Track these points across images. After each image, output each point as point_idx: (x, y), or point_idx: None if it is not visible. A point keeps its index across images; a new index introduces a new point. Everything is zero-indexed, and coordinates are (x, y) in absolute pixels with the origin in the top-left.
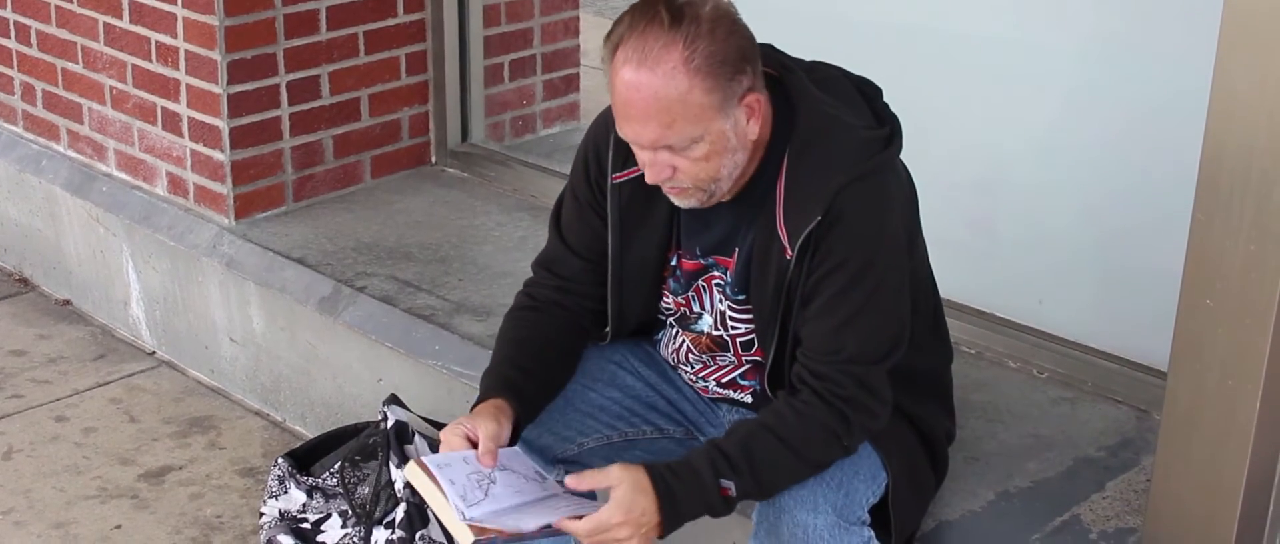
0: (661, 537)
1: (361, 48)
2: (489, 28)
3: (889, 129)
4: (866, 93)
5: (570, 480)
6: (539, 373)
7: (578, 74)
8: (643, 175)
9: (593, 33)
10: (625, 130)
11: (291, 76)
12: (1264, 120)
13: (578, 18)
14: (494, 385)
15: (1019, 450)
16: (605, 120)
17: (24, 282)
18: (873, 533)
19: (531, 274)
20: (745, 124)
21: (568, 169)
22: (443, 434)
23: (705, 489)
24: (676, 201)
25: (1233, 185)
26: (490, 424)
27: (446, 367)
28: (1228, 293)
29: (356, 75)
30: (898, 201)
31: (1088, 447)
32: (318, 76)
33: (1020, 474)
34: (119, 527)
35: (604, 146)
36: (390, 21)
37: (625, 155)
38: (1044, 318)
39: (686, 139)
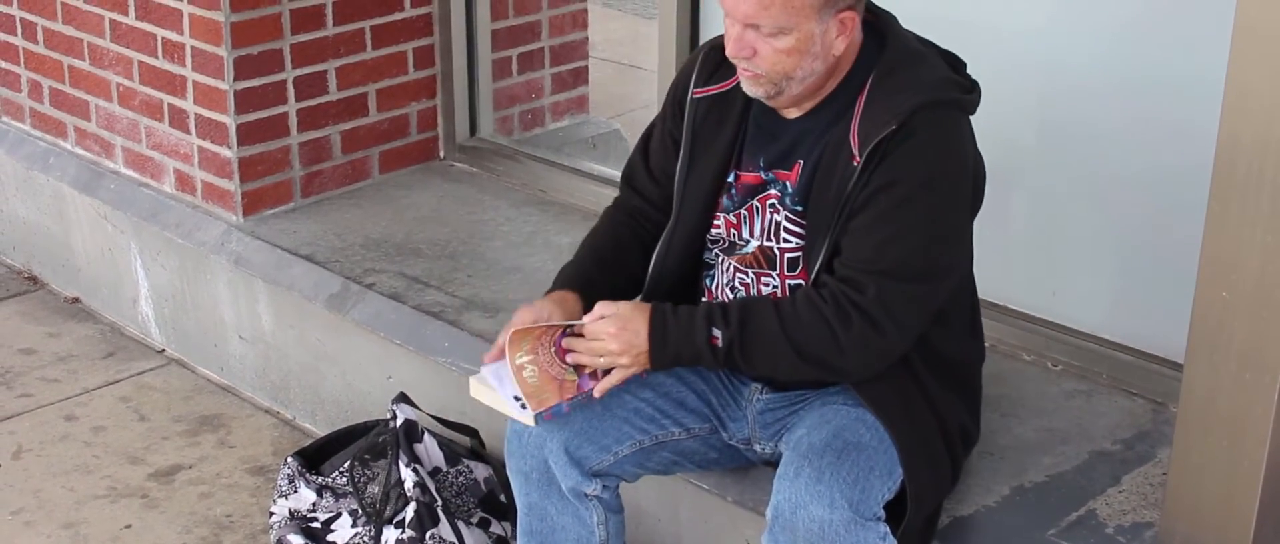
0: (652, 368)
1: (368, 42)
2: (496, 21)
3: (971, 82)
4: (951, 61)
5: (586, 318)
6: (615, 267)
7: (586, 67)
8: (722, 94)
9: (601, 25)
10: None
11: (298, 72)
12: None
13: (585, 10)
14: (571, 277)
15: (1034, 444)
16: (709, 44)
17: (33, 279)
18: (888, 528)
19: (614, 196)
20: (834, 37)
21: (576, 163)
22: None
23: (696, 330)
24: (746, 86)
25: (1248, 176)
26: (549, 307)
27: (456, 364)
28: (1244, 284)
29: (363, 70)
30: (969, 141)
31: (1103, 440)
32: (324, 72)
33: (1035, 468)
34: (129, 526)
35: (693, 63)
36: (397, 16)
37: (709, 74)
38: (1058, 310)
39: (776, 26)
